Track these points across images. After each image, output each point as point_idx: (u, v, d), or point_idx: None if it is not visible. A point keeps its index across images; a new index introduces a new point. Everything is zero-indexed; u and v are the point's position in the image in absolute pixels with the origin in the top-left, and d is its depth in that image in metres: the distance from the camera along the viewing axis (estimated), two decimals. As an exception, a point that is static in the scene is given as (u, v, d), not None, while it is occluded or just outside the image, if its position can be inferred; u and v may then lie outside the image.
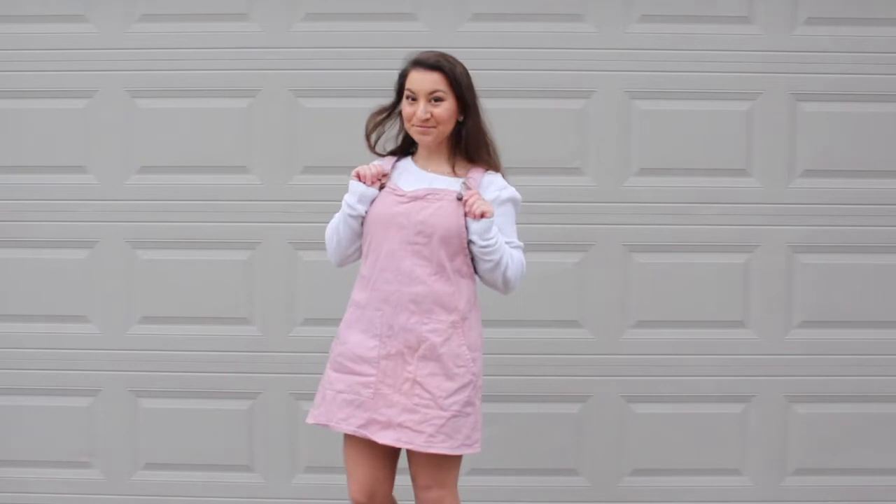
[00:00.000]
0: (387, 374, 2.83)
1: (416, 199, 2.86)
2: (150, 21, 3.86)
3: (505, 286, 2.90)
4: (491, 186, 2.90)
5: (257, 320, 3.91)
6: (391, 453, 2.94)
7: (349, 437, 2.92)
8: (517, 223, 2.97)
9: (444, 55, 2.89)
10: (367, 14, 3.84)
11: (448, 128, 2.89)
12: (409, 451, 2.88)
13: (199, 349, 3.90)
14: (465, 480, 3.65)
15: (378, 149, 3.04)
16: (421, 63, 2.86)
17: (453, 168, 2.92)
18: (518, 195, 2.94)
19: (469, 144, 2.90)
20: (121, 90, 3.86)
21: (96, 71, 3.86)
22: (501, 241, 2.84)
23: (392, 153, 3.05)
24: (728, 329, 3.88)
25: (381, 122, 2.99)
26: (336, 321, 3.87)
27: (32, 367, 3.92)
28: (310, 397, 3.89)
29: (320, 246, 3.86)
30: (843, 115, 3.84)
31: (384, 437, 2.81)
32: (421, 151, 2.97)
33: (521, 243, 2.94)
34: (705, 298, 3.87)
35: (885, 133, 3.85)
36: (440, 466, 2.85)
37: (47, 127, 3.88)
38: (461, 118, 2.90)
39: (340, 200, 3.84)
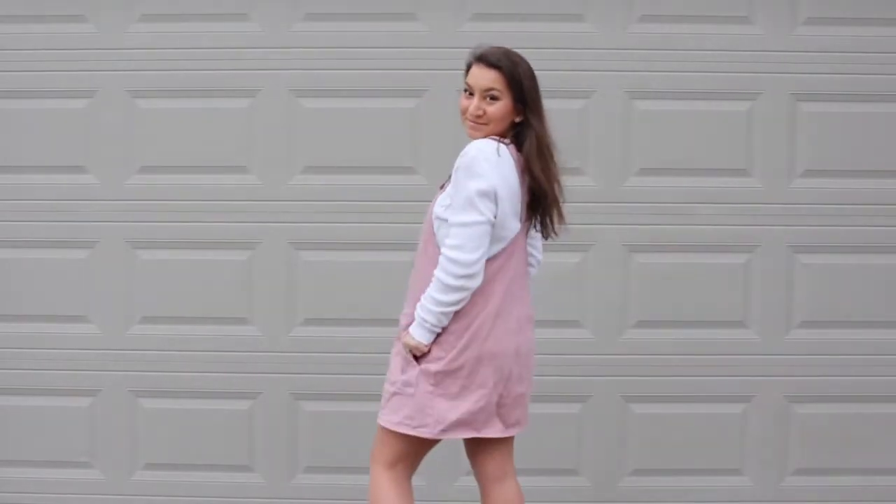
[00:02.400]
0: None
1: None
2: (150, 21, 3.86)
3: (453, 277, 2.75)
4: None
5: (257, 320, 3.91)
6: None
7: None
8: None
9: (509, 53, 2.83)
10: (367, 14, 3.84)
11: (500, 127, 2.81)
12: None
13: (199, 349, 3.90)
14: (464, 481, 3.65)
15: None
16: (483, 59, 2.81)
17: None
18: (469, 159, 2.73)
19: (529, 149, 2.81)
20: (121, 90, 3.86)
21: (96, 71, 3.86)
22: (420, 313, 2.78)
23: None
24: (728, 329, 3.88)
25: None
26: (336, 321, 3.90)
27: (32, 367, 3.92)
28: (310, 397, 3.91)
29: (320, 246, 3.89)
30: (843, 115, 3.84)
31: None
32: None
33: (460, 219, 2.70)
34: (705, 298, 3.87)
35: (885, 133, 3.85)
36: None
37: (47, 127, 3.88)
38: (518, 119, 2.83)
39: (340, 200, 3.86)
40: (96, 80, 3.86)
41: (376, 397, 3.88)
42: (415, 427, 2.82)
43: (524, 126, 2.83)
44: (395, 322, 3.81)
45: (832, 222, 3.85)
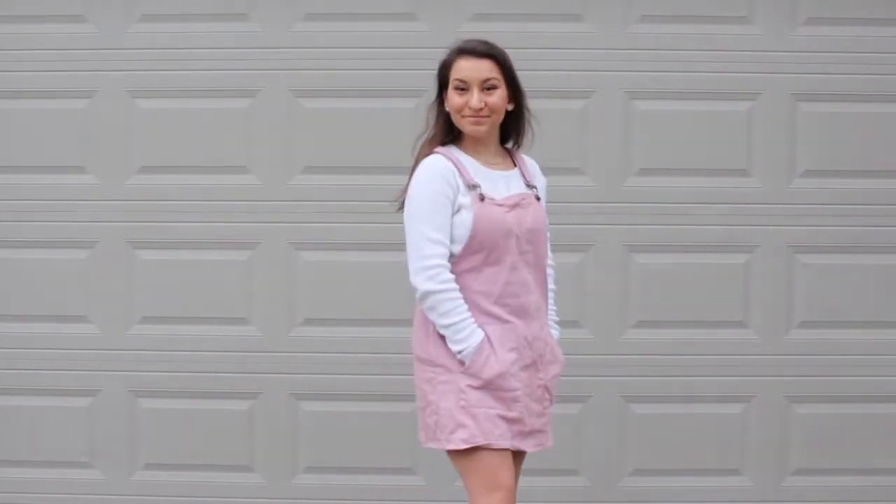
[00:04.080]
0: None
1: (515, 206, 2.68)
2: (150, 21, 3.86)
3: None
4: (537, 171, 2.86)
5: (257, 320, 3.90)
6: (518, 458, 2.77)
7: (499, 450, 2.65)
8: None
9: (488, 42, 2.71)
10: (367, 14, 3.84)
11: (501, 117, 2.71)
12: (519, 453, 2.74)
13: (199, 349, 3.90)
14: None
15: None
16: (470, 51, 2.66)
17: (512, 159, 2.80)
18: None
19: (521, 132, 2.79)
20: (121, 90, 3.86)
21: (96, 71, 3.86)
22: (556, 316, 2.88)
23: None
24: (728, 329, 3.88)
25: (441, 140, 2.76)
26: (336, 321, 3.89)
27: (32, 367, 3.92)
28: (310, 397, 3.91)
29: (320, 246, 3.89)
30: (843, 115, 3.84)
31: (527, 445, 2.71)
32: (469, 142, 2.73)
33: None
34: (705, 298, 3.87)
35: (885, 133, 3.85)
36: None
37: (47, 127, 3.88)
38: (510, 106, 2.73)
39: (340, 200, 3.86)
40: (96, 80, 3.86)
41: (376, 397, 3.92)
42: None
43: (517, 115, 2.77)
44: (393, 322, 3.82)
45: (832, 222, 3.85)
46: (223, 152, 3.88)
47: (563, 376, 3.81)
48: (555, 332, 2.82)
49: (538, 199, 2.75)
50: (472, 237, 2.61)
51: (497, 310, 2.64)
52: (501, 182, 2.70)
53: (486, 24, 3.82)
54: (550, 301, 2.83)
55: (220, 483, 3.93)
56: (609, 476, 3.92)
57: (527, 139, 2.82)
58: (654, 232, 3.85)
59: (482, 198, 2.63)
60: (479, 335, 2.60)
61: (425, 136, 2.77)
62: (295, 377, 3.90)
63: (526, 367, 2.67)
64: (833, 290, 3.87)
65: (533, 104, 3.78)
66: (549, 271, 2.84)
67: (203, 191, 3.87)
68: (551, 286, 2.84)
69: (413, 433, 3.89)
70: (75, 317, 3.92)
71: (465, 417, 2.60)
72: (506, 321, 2.64)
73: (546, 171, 3.55)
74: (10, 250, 3.91)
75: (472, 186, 2.63)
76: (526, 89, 3.80)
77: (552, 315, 2.83)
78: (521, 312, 2.66)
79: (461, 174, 2.64)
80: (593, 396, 3.90)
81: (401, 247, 3.44)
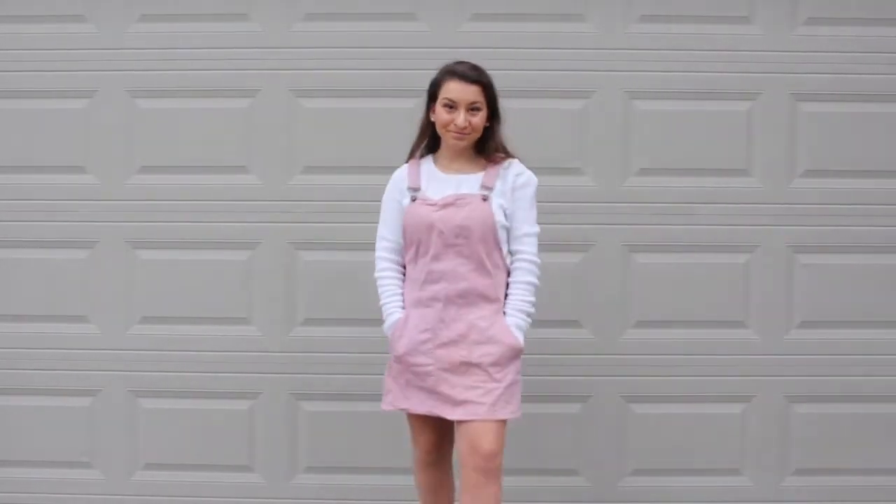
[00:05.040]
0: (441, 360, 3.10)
1: (447, 205, 3.09)
2: (150, 21, 3.86)
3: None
4: (510, 171, 3.15)
5: (257, 320, 3.91)
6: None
7: (416, 414, 3.20)
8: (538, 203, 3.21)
9: (477, 67, 3.12)
10: (367, 14, 3.84)
11: (479, 134, 3.14)
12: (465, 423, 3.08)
13: (199, 349, 3.90)
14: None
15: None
16: (462, 76, 3.08)
17: (483, 167, 3.17)
18: (534, 178, 3.18)
19: (494, 147, 3.16)
20: (121, 90, 3.87)
21: (96, 71, 3.86)
22: (525, 307, 3.13)
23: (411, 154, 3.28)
24: (728, 329, 3.88)
25: (418, 146, 3.25)
26: (336, 321, 3.90)
27: (32, 367, 3.92)
28: (310, 397, 3.91)
29: (320, 246, 3.89)
30: (843, 115, 3.84)
31: (455, 414, 3.06)
32: (445, 153, 3.20)
33: (537, 228, 3.16)
34: (705, 298, 3.87)
35: (885, 133, 3.85)
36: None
37: (47, 127, 3.88)
38: (487, 124, 3.15)
39: (340, 200, 3.86)
40: (96, 80, 3.87)
41: (376, 397, 3.89)
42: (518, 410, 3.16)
43: (488, 132, 3.16)
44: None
45: (832, 222, 3.85)
46: (223, 152, 3.88)
47: (563, 376, 3.85)
48: (511, 319, 3.11)
49: (484, 199, 3.10)
50: (403, 231, 3.15)
51: (421, 294, 3.10)
52: (451, 184, 3.14)
53: (486, 24, 3.82)
54: (521, 291, 3.12)
55: (220, 483, 3.94)
56: (609, 476, 3.92)
57: (503, 149, 3.18)
58: (654, 232, 3.85)
59: (414, 199, 3.13)
60: (395, 317, 3.14)
61: (414, 143, 3.24)
62: (295, 377, 3.90)
63: (443, 346, 3.07)
64: (833, 290, 3.87)
65: (533, 104, 3.83)
66: (526, 265, 3.14)
67: (203, 191, 3.87)
68: (526, 278, 3.13)
69: (413, 433, 3.90)
70: (75, 317, 3.92)
71: (391, 385, 3.19)
72: (427, 305, 3.10)
73: (546, 171, 3.57)
74: (10, 250, 3.91)
75: (411, 189, 3.15)
76: (526, 89, 3.85)
77: (516, 304, 3.12)
78: (442, 297, 3.07)
79: (409, 179, 3.17)
80: (593, 396, 3.90)
81: (401, 247, 3.48)
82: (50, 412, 3.93)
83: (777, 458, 3.92)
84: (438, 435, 3.21)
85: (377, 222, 3.70)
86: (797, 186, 3.86)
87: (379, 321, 3.83)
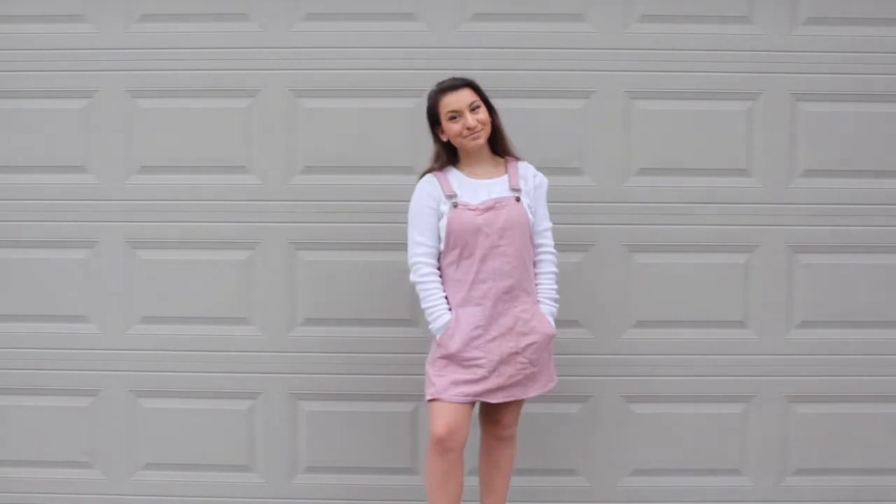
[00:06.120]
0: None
1: (488, 209, 3.29)
2: (150, 21, 3.86)
3: None
4: (528, 173, 3.39)
5: (257, 320, 3.91)
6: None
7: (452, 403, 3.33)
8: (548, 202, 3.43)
9: (459, 76, 3.34)
10: (367, 14, 3.84)
11: (490, 128, 3.34)
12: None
13: (199, 349, 3.90)
14: (466, 480, 3.64)
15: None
16: (450, 87, 3.30)
17: (503, 169, 3.38)
18: (545, 179, 3.43)
19: (500, 140, 3.38)
20: (121, 90, 3.87)
21: (96, 71, 3.86)
22: (554, 294, 3.40)
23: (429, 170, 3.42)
24: (728, 329, 3.88)
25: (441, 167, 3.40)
26: (336, 321, 3.90)
27: (32, 367, 3.92)
28: (310, 397, 3.91)
29: (320, 246, 3.89)
30: (843, 115, 3.84)
31: (495, 397, 3.33)
32: (466, 161, 3.38)
33: (551, 224, 3.42)
34: (705, 298, 3.87)
35: (885, 133, 3.85)
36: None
37: (47, 127, 3.88)
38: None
39: (340, 200, 3.86)
40: (96, 80, 3.86)
41: (376, 397, 3.91)
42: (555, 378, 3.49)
43: (494, 127, 3.37)
44: (393, 322, 3.83)
45: (832, 222, 3.85)
46: (223, 152, 3.88)
47: (563, 376, 3.85)
48: (545, 308, 3.37)
49: (518, 199, 3.32)
50: (448, 236, 3.29)
51: (470, 294, 3.28)
52: (483, 189, 3.32)
53: (486, 23, 3.82)
54: (549, 280, 3.39)
55: (220, 483, 3.94)
56: (609, 476, 3.92)
57: (510, 144, 3.39)
58: (654, 232, 3.85)
59: (456, 205, 3.29)
60: (445, 318, 3.29)
61: (432, 164, 3.40)
62: (295, 377, 3.90)
63: (494, 339, 3.28)
64: (833, 290, 3.87)
65: (533, 104, 3.84)
66: (549, 257, 3.41)
67: (203, 191, 3.87)
68: (551, 269, 3.40)
69: (413, 433, 3.91)
70: (75, 317, 3.92)
71: (435, 379, 3.30)
72: (477, 303, 3.28)
73: (546, 171, 3.57)
74: (10, 250, 3.91)
75: (449, 197, 3.30)
76: (526, 89, 3.85)
77: (546, 292, 3.38)
78: (491, 295, 3.28)
79: (443, 188, 3.30)
80: (593, 396, 3.90)
81: (399, 247, 3.48)
82: (50, 412, 3.93)
83: (777, 458, 3.92)
84: (460, 420, 3.30)
85: (378, 222, 3.73)
86: (797, 186, 3.86)
87: (379, 321, 3.84)
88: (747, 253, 3.87)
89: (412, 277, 3.32)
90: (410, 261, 3.33)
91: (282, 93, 3.85)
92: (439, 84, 3.34)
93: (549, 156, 3.82)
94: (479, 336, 3.27)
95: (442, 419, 3.26)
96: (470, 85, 3.31)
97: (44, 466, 3.95)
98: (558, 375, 3.48)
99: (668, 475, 3.91)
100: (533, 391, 3.38)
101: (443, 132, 3.34)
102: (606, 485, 3.92)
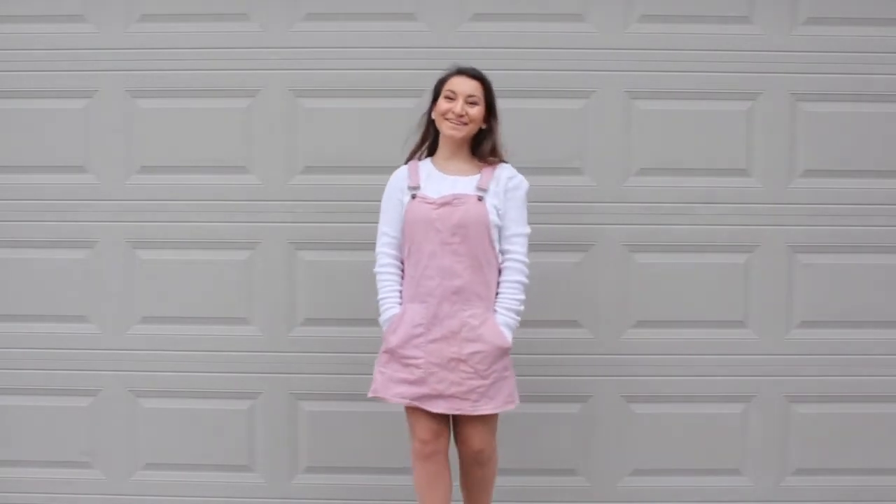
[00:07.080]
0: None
1: (444, 204, 3.21)
2: (150, 21, 3.86)
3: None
4: (503, 174, 3.28)
5: (257, 320, 3.91)
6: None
7: (413, 408, 3.29)
8: (528, 207, 3.31)
9: (481, 71, 3.31)
10: (367, 14, 3.84)
11: (475, 129, 3.28)
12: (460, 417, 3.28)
13: (199, 349, 3.90)
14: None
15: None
16: (464, 72, 3.29)
17: (479, 169, 3.29)
18: (525, 182, 3.30)
19: (491, 148, 3.30)
20: (121, 90, 3.87)
21: (96, 71, 3.86)
22: (515, 305, 3.24)
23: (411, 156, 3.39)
24: (728, 329, 3.88)
25: (420, 146, 3.38)
26: (336, 321, 3.90)
27: (32, 367, 3.92)
28: (310, 397, 3.91)
29: (320, 246, 3.89)
30: (843, 115, 3.84)
31: (438, 407, 3.22)
32: (443, 152, 3.32)
33: (528, 229, 3.28)
34: (705, 298, 3.87)
35: (885, 133, 3.85)
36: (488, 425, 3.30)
37: (47, 127, 3.88)
38: (484, 125, 3.30)
39: (341, 200, 3.86)
40: (96, 80, 3.87)
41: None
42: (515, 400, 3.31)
43: (486, 132, 3.31)
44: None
45: (832, 222, 3.85)
46: (223, 152, 3.88)
47: (563, 376, 3.85)
48: (501, 318, 3.22)
49: (480, 199, 3.21)
50: (403, 228, 3.25)
51: (417, 290, 3.21)
52: (447, 184, 3.25)
53: (486, 23, 3.82)
54: (511, 290, 3.24)
55: (219, 483, 3.94)
56: (609, 476, 3.92)
57: (505, 152, 3.32)
58: (654, 232, 3.85)
59: (414, 196, 3.24)
60: (391, 312, 3.25)
61: (411, 143, 3.37)
62: (295, 377, 3.90)
63: (435, 341, 3.19)
64: (833, 290, 3.87)
65: (533, 104, 3.84)
66: (516, 265, 3.25)
67: (203, 191, 3.87)
68: (515, 277, 3.24)
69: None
70: (75, 317, 3.92)
71: (377, 374, 3.28)
72: (422, 301, 3.21)
73: (546, 171, 3.58)
74: (10, 250, 3.91)
75: (411, 188, 3.26)
76: (526, 89, 3.85)
77: (506, 302, 3.23)
78: (437, 294, 3.19)
79: (410, 178, 3.28)
80: (593, 396, 3.90)
81: (401, 247, 3.48)
82: (50, 412, 3.93)
83: (777, 458, 3.92)
84: (435, 426, 3.27)
85: (377, 222, 3.71)
86: (797, 186, 3.86)
87: (379, 321, 3.84)
88: (747, 253, 3.87)
89: (375, 267, 3.32)
90: (376, 249, 3.32)
91: (282, 93, 3.85)
92: (461, 65, 3.33)
93: (549, 156, 3.82)
94: (419, 335, 3.20)
95: (416, 427, 3.26)
96: (483, 81, 3.29)
97: (44, 466, 3.95)
98: (520, 397, 3.33)
99: (667, 475, 3.91)
100: (485, 409, 3.20)
101: (435, 109, 3.29)
102: (606, 485, 3.92)
